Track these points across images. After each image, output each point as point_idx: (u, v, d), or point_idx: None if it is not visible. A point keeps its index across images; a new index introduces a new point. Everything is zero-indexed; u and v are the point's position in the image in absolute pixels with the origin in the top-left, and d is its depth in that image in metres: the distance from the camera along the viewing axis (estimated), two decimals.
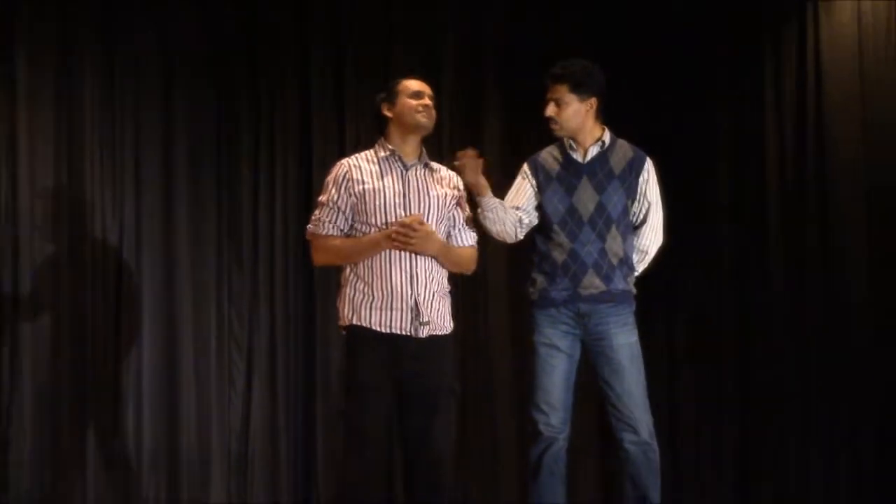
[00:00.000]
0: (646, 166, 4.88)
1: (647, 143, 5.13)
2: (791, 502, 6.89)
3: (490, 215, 4.76)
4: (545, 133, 4.98)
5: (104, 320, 6.53)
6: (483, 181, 4.70)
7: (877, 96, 6.86)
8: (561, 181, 4.82)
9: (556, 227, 4.79)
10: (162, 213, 6.71)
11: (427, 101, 4.62)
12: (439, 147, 6.85)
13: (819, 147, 7.04)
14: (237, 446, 6.72)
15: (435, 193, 4.61)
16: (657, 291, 6.49)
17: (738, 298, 7.22)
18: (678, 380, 7.22)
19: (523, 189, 4.88)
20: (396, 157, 4.60)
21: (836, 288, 6.86)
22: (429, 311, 4.50)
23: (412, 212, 4.54)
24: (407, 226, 4.45)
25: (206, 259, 6.79)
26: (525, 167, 4.93)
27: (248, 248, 6.85)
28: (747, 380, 7.12)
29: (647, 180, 4.88)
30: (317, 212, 4.61)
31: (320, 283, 6.82)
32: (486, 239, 4.99)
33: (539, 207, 4.85)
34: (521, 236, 4.88)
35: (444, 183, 4.69)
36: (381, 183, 4.55)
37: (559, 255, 4.79)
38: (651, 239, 4.95)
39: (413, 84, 4.65)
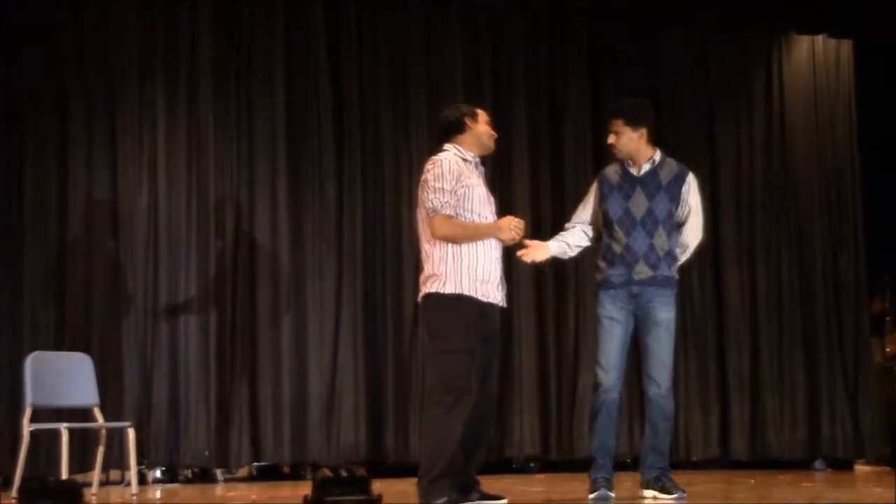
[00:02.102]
0: (688, 179, 5.78)
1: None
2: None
3: (566, 255, 5.89)
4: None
5: (226, 307, 8.10)
6: (545, 255, 5.72)
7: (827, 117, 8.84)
8: (620, 190, 5.73)
9: (615, 225, 5.70)
10: (269, 216, 8.33)
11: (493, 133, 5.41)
12: None
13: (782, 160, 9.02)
14: (328, 393, 8.28)
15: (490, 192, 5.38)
16: None
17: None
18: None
19: (588, 205, 5.83)
20: (476, 163, 5.28)
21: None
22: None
23: (494, 208, 5.26)
24: (519, 222, 5.24)
25: (304, 254, 8.37)
26: (595, 182, 5.87)
27: (335, 244, 8.44)
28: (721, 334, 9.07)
29: (689, 190, 5.77)
30: (439, 195, 5.06)
31: (390, 270, 8.46)
32: None
33: (604, 213, 5.75)
34: (592, 242, 5.88)
35: None
36: (475, 181, 5.19)
37: (617, 248, 5.70)
38: (691, 236, 5.82)
39: (487, 116, 5.39)
